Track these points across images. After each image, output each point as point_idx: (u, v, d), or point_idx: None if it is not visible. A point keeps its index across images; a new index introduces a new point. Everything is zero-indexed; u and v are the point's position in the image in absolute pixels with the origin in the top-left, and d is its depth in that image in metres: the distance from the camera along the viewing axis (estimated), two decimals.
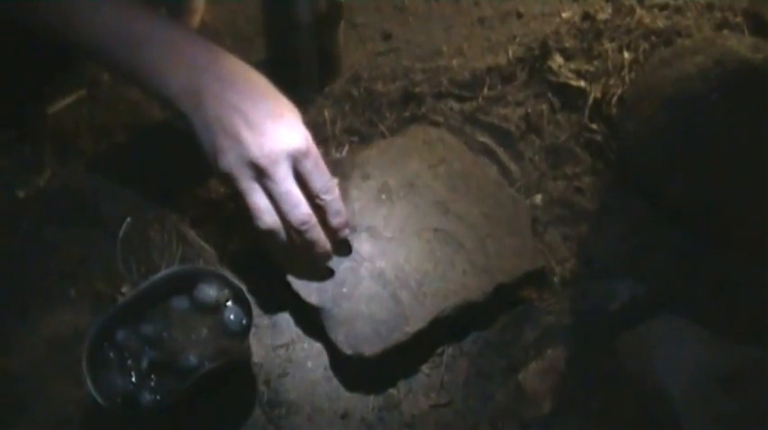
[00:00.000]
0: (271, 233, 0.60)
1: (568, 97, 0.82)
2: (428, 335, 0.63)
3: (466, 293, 0.64)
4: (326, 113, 0.80)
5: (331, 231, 0.63)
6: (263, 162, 0.58)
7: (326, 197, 0.61)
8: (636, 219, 0.73)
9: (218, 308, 0.60)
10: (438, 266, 0.66)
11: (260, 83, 0.62)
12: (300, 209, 0.60)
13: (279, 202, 0.59)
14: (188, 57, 0.60)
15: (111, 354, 0.57)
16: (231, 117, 0.59)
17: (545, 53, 0.84)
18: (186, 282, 0.60)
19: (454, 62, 0.85)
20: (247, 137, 0.58)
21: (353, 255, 0.66)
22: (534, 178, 0.76)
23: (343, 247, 0.65)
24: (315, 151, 0.61)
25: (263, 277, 0.68)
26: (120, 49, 0.60)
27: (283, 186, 0.59)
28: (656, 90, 0.74)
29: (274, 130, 0.59)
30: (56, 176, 0.73)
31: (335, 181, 0.63)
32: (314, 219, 0.61)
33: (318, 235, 0.61)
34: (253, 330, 0.60)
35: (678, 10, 0.88)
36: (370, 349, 0.61)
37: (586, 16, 0.88)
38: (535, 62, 0.84)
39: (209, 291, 0.60)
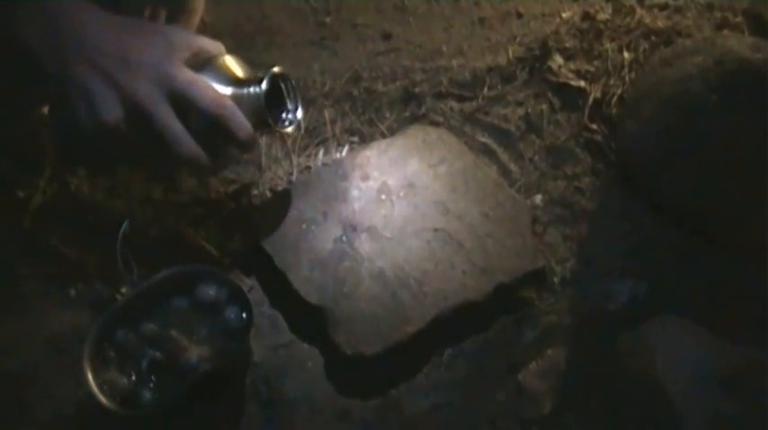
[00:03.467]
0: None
1: (568, 97, 0.82)
2: (428, 335, 0.63)
3: (466, 293, 0.64)
4: (326, 113, 0.80)
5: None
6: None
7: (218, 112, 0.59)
8: (636, 219, 0.73)
9: (218, 308, 0.60)
10: (438, 266, 0.66)
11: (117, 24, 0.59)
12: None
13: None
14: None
15: (111, 354, 0.57)
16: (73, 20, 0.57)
17: (545, 53, 0.85)
18: (186, 282, 0.60)
19: (454, 62, 0.86)
20: (87, 32, 0.56)
21: (354, 254, 0.66)
22: (534, 178, 0.76)
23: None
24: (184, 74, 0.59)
25: (263, 277, 0.68)
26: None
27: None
28: (656, 90, 0.74)
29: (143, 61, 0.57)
30: (56, 176, 0.73)
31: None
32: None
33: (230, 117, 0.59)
34: (253, 330, 0.60)
35: (678, 10, 0.88)
36: (370, 349, 0.61)
37: (586, 16, 0.88)
38: (535, 62, 0.85)
39: (209, 291, 0.60)
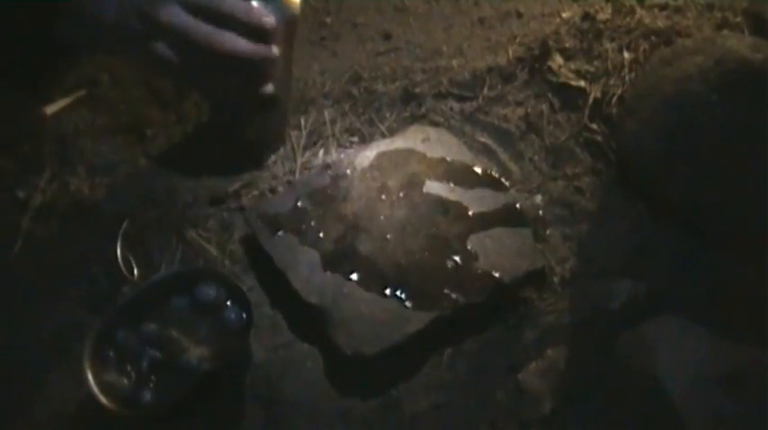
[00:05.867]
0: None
1: (568, 97, 0.82)
2: (428, 335, 0.63)
3: (466, 293, 0.64)
4: (326, 113, 0.80)
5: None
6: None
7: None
8: (636, 219, 0.73)
9: (217, 308, 0.60)
10: (438, 266, 0.66)
11: None
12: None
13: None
14: None
15: (111, 354, 0.57)
16: None
17: (545, 53, 0.85)
18: (186, 282, 0.60)
19: (454, 62, 0.86)
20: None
21: (354, 254, 0.66)
22: (534, 178, 0.76)
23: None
24: None
25: (263, 277, 0.68)
26: None
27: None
28: (656, 90, 0.74)
29: None
30: (56, 176, 0.73)
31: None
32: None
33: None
34: (253, 330, 0.60)
35: (678, 10, 0.88)
36: (370, 349, 0.61)
37: (586, 16, 0.88)
38: (535, 62, 0.84)
39: (209, 291, 0.60)
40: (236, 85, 0.65)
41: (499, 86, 0.83)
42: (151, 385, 0.57)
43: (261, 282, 0.68)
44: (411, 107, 0.81)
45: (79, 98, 0.79)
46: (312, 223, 0.68)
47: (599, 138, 0.79)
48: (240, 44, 0.61)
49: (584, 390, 0.63)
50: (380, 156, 0.73)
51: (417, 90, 0.82)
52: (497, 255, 0.67)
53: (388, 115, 0.81)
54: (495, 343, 0.66)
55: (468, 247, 0.67)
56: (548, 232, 0.72)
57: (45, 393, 0.62)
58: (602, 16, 0.87)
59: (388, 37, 0.89)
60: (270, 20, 0.63)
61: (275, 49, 0.64)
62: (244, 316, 0.60)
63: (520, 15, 0.91)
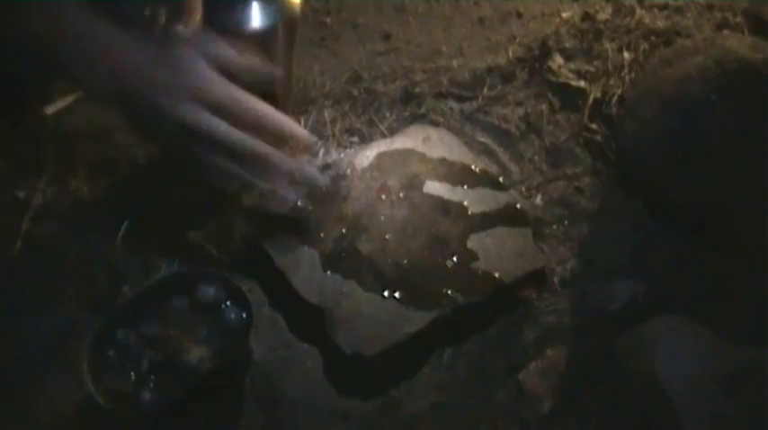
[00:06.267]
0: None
1: (568, 97, 0.82)
2: (428, 335, 0.63)
3: (466, 293, 0.64)
4: (326, 113, 0.80)
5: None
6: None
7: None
8: (636, 219, 0.73)
9: (217, 308, 0.60)
10: (438, 266, 0.66)
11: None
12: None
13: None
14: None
15: (111, 354, 0.57)
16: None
17: (545, 53, 0.85)
18: (186, 282, 0.60)
19: (454, 62, 0.86)
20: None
21: (354, 254, 0.66)
22: (534, 178, 0.76)
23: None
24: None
25: (263, 277, 0.68)
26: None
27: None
28: (656, 90, 0.74)
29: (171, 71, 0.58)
30: (56, 176, 0.73)
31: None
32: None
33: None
34: (253, 330, 0.60)
35: (678, 10, 0.88)
36: (370, 349, 0.61)
37: (586, 16, 0.88)
38: (535, 62, 0.85)
39: (209, 292, 0.60)
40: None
41: (499, 86, 0.83)
42: (151, 385, 0.57)
43: (261, 282, 0.68)
44: (411, 107, 0.81)
45: (79, 98, 0.79)
46: (312, 223, 0.68)
47: (599, 138, 0.79)
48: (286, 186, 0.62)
49: (585, 390, 0.63)
50: (380, 156, 0.73)
51: (417, 90, 0.82)
52: (497, 255, 0.67)
53: (388, 115, 0.81)
54: (495, 343, 0.66)
55: (468, 247, 0.67)
56: (548, 232, 0.72)
57: (45, 393, 0.61)
58: (602, 16, 0.87)
59: (388, 37, 0.89)
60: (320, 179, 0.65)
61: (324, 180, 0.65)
62: (244, 316, 0.60)
63: (520, 15, 0.91)
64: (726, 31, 0.84)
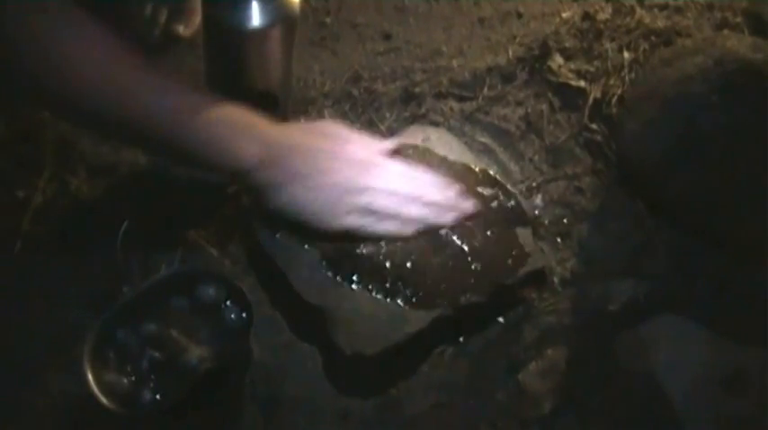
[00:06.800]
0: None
1: (568, 97, 0.82)
2: (428, 335, 0.63)
3: (466, 293, 0.64)
4: (326, 113, 0.80)
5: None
6: (374, 201, 0.63)
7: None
8: (636, 219, 0.73)
9: (217, 308, 0.60)
10: (438, 266, 0.66)
11: (331, 134, 0.66)
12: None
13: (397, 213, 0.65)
14: (258, 131, 0.61)
15: (111, 354, 0.57)
16: (318, 178, 0.62)
17: (545, 53, 0.85)
18: (186, 282, 0.60)
19: (454, 62, 0.86)
20: (344, 188, 0.63)
21: (354, 254, 0.66)
22: (534, 178, 0.76)
23: None
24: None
25: (263, 277, 0.68)
26: (189, 130, 0.58)
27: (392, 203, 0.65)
28: (657, 90, 0.74)
29: (363, 172, 0.64)
30: (56, 176, 0.73)
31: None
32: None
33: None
34: (253, 330, 0.60)
35: (678, 10, 0.88)
36: (370, 349, 0.61)
37: (586, 16, 0.88)
38: (535, 62, 0.85)
39: (209, 291, 0.60)
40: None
41: (499, 86, 0.83)
42: (151, 385, 0.57)
43: (261, 282, 0.68)
44: (411, 107, 0.81)
45: None
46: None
47: (599, 138, 0.79)
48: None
49: (585, 390, 0.63)
50: None
51: (417, 90, 0.82)
52: (497, 255, 0.67)
53: (388, 115, 0.81)
54: (495, 343, 0.66)
55: (468, 248, 0.67)
56: (548, 232, 0.72)
57: (45, 393, 0.62)
58: (602, 16, 0.87)
59: (388, 37, 0.89)
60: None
61: None
62: (244, 316, 0.60)
63: (520, 15, 0.91)
64: (726, 31, 0.84)
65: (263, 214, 0.65)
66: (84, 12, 0.55)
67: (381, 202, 0.64)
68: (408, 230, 0.65)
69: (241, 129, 0.61)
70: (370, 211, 0.64)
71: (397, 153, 0.69)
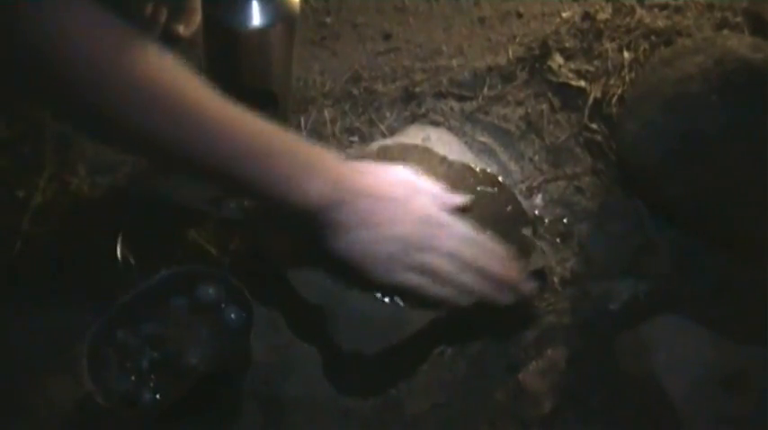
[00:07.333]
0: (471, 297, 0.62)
1: (568, 97, 0.82)
2: (428, 335, 0.63)
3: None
4: (326, 113, 0.80)
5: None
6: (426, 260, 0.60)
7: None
8: (636, 219, 0.73)
9: (217, 308, 0.60)
10: None
11: (403, 181, 0.64)
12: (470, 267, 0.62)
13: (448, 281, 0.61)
14: (329, 170, 0.59)
15: (112, 354, 0.57)
16: (385, 228, 0.60)
17: (545, 53, 0.85)
18: (186, 282, 0.60)
19: (454, 62, 0.86)
20: (408, 243, 0.60)
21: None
22: (534, 178, 0.76)
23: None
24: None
25: (263, 277, 0.68)
26: (255, 161, 0.56)
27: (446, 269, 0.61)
28: (657, 90, 0.74)
29: (429, 229, 0.61)
30: (56, 176, 0.73)
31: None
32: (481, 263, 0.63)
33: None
34: (253, 330, 0.60)
35: (678, 10, 0.88)
36: (370, 349, 0.61)
37: (586, 16, 0.88)
38: (535, 62, 0.85)
39: (209, 291, 0.60)
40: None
41: (499, 86, 0.83)
42: (151, 385, 0.57)
43: (261, 282, 0.68)
44: (411, 107, 0.81)
45: None
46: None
47: (599, 138, 0.79)
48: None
49: (585, 390, 0.63)
50: (380, 155, 0.73)
51: (417, 90, 0.82)
52: None
53: (388, 115, 0.81)
54: (495, 343, 0.66)
55: None
56: (548, 232, 0.72)
57: (45, 393, 0.61)
58: (602, 16, 0.87)
59: (388, 37, 0.89)
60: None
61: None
62: (244, 316, 0.60)
63: (520, 15, 0.91)
64: (726, 31, 0.84)
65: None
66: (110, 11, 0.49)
67: (441, 265, 0.60)
68: (464, 301, 0.61)
69: (312, 167, 0.58)
70: (427, 272, 0.61)
71: (466, 210, 0.66)
